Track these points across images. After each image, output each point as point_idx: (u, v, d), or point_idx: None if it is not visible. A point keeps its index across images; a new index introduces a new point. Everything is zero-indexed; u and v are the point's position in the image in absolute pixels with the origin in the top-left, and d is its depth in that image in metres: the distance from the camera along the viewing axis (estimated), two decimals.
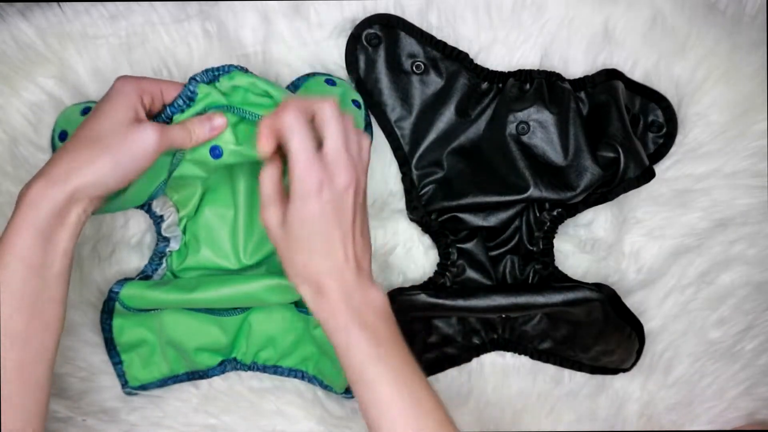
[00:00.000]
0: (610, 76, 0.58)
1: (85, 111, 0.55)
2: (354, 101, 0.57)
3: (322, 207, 0.46)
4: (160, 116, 0.50)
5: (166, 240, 0.59)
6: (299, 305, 0.59)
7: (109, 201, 0.49)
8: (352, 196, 0.48)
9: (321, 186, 0.46)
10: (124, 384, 0.60)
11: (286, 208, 0.47)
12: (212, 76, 0.50)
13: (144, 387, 0.61)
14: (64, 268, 0.46)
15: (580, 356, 0.63)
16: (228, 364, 0.60)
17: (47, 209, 0.44)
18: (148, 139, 0.46)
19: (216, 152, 0.51)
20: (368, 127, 0.58)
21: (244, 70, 0.51)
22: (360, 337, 0.47)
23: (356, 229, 0.49)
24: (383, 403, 0.47)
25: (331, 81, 0.57)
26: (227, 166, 0.53)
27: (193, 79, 0.50)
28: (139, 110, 0.48)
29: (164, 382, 0.61)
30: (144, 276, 0.59)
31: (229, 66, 0.51)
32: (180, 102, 0.49)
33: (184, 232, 0.59)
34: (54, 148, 0.57)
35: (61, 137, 0.56)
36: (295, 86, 0.57)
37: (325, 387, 0.62)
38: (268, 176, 0.49)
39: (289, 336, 0.61)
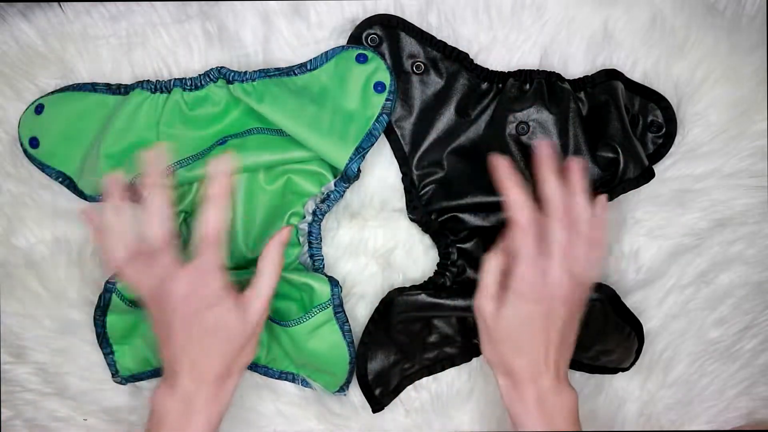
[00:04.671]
0: (610, 76, 0.58)
1: (38, 109, 0.56)
2: (378, 84, 0.56)
3: (532, 311, 0.50)
4: (162, 87, 0.55)
5: None
6: (273, 319, 0.59)
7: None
8: (563, 310, 0.50)
9: (534, 291, 0.49)
10: (115, 373, 0.60)
11: (502, 301, 0.51)
12: (221, 76, 0.55)
13: (135, 377, 0.61)
14: None
15: (579, 355, 0.63)
16: None
17: None
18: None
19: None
20: (381, 117, 0.56)
21: (263, 75, 0.55)
22: None
23: (562, 338, 0.51)
24: None
25: (363, 57, 0.56)
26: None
27: (207, 76, 0.55)
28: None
29: (155, 373, 0.61)
30: None
31: (248, 73, 0.55)
32: (188, 82, 0.55)
33: (181, 228, 0.59)
34: (29, 157, 0.57)
35: (32, 145, 0.56)
36: (327, 56, 0.56)
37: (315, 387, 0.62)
38: (493, 267, 0.52)
39: (276, 347, 0.61)
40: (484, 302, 0.51)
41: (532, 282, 0.49)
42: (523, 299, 0.50)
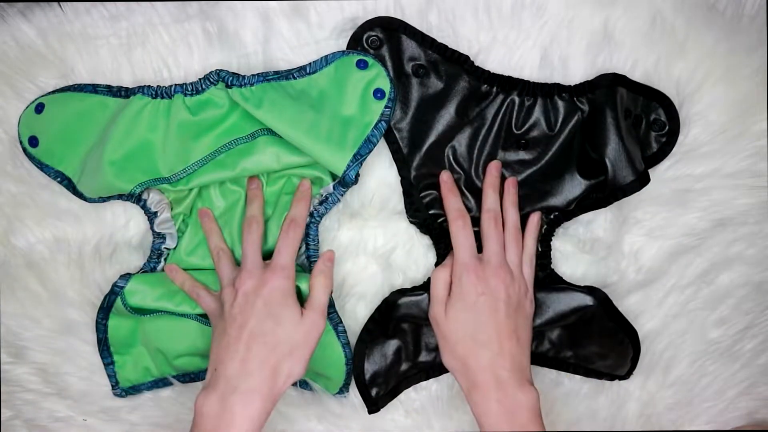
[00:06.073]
0: (613, 80, 0.58)
1: (39, 108, 0.56)
2: (377, 90, 0.55)
3: (475, 302, 0.54)
4: (163, 92, 0.55)
5: (162, 237, 0.59)
6: None
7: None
8: (504, 295, 0.54)
9: (474, 284, 0.54)
10: (115, 385, 0.60)
11: (449, 304, 0.55)
12: (221, 79, 0.54)
13: (135, 388, 0.61)
14: None
15: (574, 357, 0.63)
16: None
17: None
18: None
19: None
20: (380, 124, 0.56)
21: (264, 78, 0.55)
22: None
23: (513, 328, 0.54)
24: None
25: (363, 63, 0.55)
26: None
27: (207, 79, 0.55)
28: None
29: (155, 384, 0.61)
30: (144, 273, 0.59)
31: (246, 78, 0.54)
32: (189, 87, 0.55)
33: (180, 230, 0.59)
34: (28, 155, 0.57)
35: (31, 143, 0.56)
36: (326, 60, 0.56)
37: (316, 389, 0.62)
38: (440, 279, 0.56)
39: None
40: (436, 309, 0.56)
41: (471, 279, 0.54)
42: (465, 293, 0.54)
